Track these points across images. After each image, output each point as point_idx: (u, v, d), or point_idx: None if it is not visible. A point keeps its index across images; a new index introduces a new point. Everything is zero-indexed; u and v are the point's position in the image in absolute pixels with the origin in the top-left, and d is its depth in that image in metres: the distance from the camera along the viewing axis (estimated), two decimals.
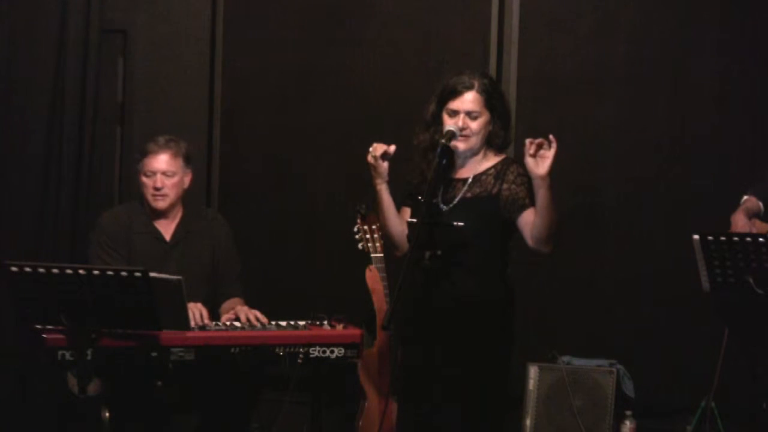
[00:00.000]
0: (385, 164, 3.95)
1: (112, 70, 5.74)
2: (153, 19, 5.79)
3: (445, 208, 3.96)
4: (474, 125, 3.94)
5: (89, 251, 4.66)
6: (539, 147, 3.79)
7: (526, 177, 3.91)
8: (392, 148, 3.96)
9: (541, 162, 3.79)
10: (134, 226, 4.65)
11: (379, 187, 3.99)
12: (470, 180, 3.97)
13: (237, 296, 4.70)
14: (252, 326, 4.38)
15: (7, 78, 5.42)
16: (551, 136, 3.80)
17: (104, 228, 4.64)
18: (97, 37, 5.50)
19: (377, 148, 3.95)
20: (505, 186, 3.93)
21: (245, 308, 4.51)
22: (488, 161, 4.01)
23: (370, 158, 3.96)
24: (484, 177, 3.97)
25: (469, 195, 3.96)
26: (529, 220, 3.90)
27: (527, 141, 3.80)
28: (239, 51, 5.82)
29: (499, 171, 3.97)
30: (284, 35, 5.76)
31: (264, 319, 4.43)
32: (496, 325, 3.94)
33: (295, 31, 5.75)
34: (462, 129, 3.93)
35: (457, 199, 3.96)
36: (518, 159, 4.01)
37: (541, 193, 3.82)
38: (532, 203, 3.90)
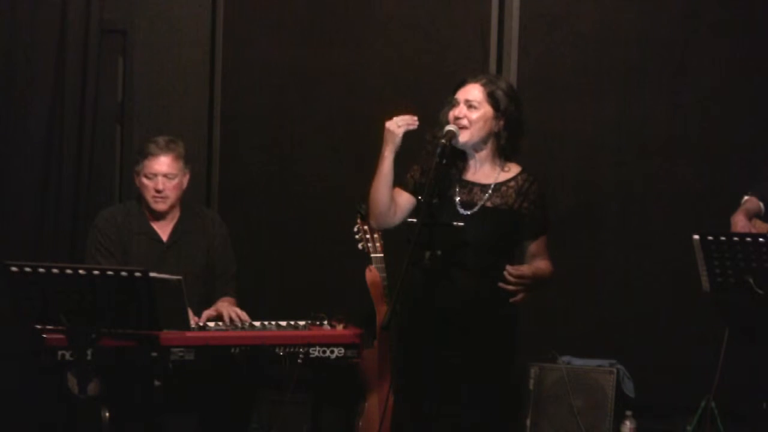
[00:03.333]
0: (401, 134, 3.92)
1: (112, 70, 5.74)
2: (153, 19, 5.79)
3: (464, 212, 3.95)
4: (471, 115, 3.93)
5: (86, 251, 4.65)
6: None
7: (545, 200, 3.99)
8: (415, 122, 3.92)
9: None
10: (131, 226, 4.65)
11: (387, 154, 3.92)
12: (491, 189, 3.97)
13: (230, 296, 4.70)
14: (252, 326, 4.38)
15: (7, 77, 5.42)
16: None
17: (100, 228, 4.63)
18: (97, 37, 5.50)
19: (404, 119, 3.91)
20: (525, 204, 3.95)
21: (225, 305, 4.51)
22: (506, 170, 4.01)
23: (394, 125, 3.89)
24: (504, 188, 3.97)
25: (489, 204, 3.95)
26: (532, 251, 3.98)
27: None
28: (239, 51, 5.81)
29: (520, 186, 3.97)
30: (284, 35, 5.76)
31: (245, 318, 4.43)
32: (497, 324, 3.94)
33: (295, 31, 5.75)
34: (458, 118, 3.92)
35: (478, 207, 3.96)
36: (538, 176, 4.05)
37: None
38: (545, 230, 3.99)
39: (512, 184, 3.98)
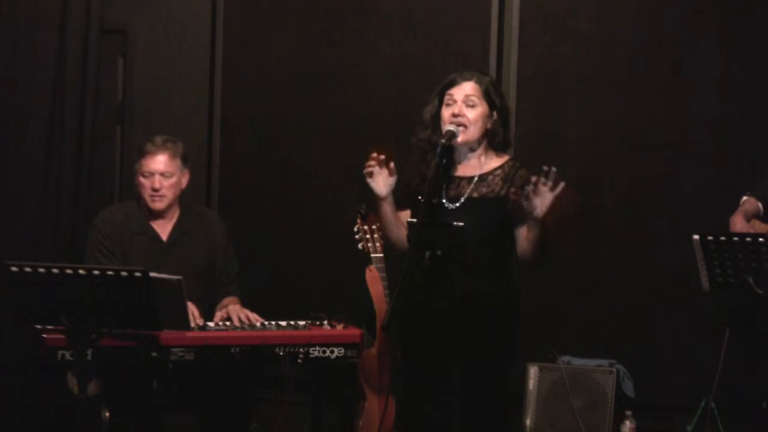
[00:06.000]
0: (384, 177, 3.94)
1: (112, 70, 5.74)
2: (153, 19, 5.80)
3: (451, 206, 3.95)
4: (470, 114, 3.93)
5: (85, 250, 4.66)
6: (536, 184, 3.75)
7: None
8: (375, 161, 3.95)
9: (539, 203, 3.76)
10: (131, 225, 4.65)
11: (379, 203, 3.99)
12: (476, 179, 3.97)
13: (233, 295, 4.70)
14: (252, 326, 4.38)
15: (7, 78, 5.42)
16: (551, 175, 3.75)
17: (100, 227, 4.63)
18: (97, 37, 5.50)
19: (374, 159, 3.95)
20: (512, 190, 3.93)
21: (237, 307, 4.52)
22: (493, 161, 4.00)
23: (367, 178, 3.94)
24: (490, 177, 3.97)
25: (475, 195, 3.95)
26: (523, 234, 3.91)
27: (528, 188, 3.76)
28: (239, 51, 5.82)
29: (507, 173, 3.96)
30: (284, 35, 5.77)
31: (255, 319, 4.43)
32: (496, 324, 3.94)
33: (295, 31, 5.75)
34: (457, 116, 3.92)
35: (463, 199, 3.96)
36: (524, 163, 4.02)
37: (533, 228, 3.83)
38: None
39: (498, 172, 3.97)
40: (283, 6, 5.78)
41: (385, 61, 5.63)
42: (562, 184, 3.75)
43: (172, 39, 5.81)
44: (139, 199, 4.68)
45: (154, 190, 4.59)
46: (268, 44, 5.79)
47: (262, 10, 5.81)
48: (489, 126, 3.98)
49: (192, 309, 4.35)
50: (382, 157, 3.93)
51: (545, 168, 3.75)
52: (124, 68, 5.80)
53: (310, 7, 5.74)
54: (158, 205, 4.62)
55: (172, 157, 4.62)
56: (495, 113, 3.98)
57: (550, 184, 3.74)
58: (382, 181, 3.96)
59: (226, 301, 4.66)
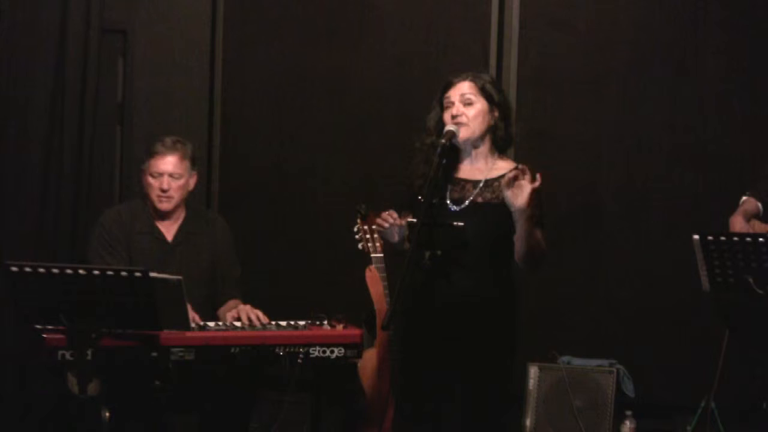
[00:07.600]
0: (396, 228, 3.96)
1: (112, 70, 5.74)
2: (153, 19, 5.79)
3: (455, 209, 3.95)
4: (470, 111, 3.94)
5: (89, 249, 4.65)
6: (515, 178, 3.77)
7: (539, 193, 3.90)
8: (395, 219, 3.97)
9: (519, 193, 3.77)
10: (136, 225, 4.65)
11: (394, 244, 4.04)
12: (482, 184, 3.97)
13: (236, 299, 4.70)
14: (252, 326, 4.38)
15: (7, 78, 5.42)
16: (536, 175, 3.77)
17: (106, 226, 4.63)
18: (97, 37, 5.50)
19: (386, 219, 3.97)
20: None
21: (247, 307, 4.51)
22: (499, 166, 3.99)
23: (384, 231, 4.00)
24: (496, 183, 3.96)
25: (480, 200, 3.95)
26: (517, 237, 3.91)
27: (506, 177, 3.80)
28: (239, 51, 5.82)
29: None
30: (284, 35, 5.77)
31: (265, 319, 4.44)
32: (496, 324, 3.93)
33: (295, 31, 5.75)
34: (456, 116, 3.92)
35: (467, 202, 3.95)
36: (528, 167, 4.01)
37: (520, 224, 3.82)
38: (539, 223, 3.92)
39: (504, 179, 3.97)
40: (283, 6, 5.78)
41: (385, 62, 5.63)
42: (538, 177, 3.76)
43: (172, 39, 5.81)
44: (144, 199, 4.68)
45: (162, 191, 4.59)
46: (268, 44, 5.79)
47: (262, 11, 5.80)
48: (490, 122, 3.98)
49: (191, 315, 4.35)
50: (394, 216, 3.94)
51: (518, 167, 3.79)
52: (124, 68, 5.80)
53: (309, 7, 5.74)
54: (165, 206, 4.62)
55: (182, 158, 4.62)
56: (495, 109, 3.98)
57: (528, 176, 3.76)
58: (395, 233, 3.98)
59: (231, 303, 4.66)
